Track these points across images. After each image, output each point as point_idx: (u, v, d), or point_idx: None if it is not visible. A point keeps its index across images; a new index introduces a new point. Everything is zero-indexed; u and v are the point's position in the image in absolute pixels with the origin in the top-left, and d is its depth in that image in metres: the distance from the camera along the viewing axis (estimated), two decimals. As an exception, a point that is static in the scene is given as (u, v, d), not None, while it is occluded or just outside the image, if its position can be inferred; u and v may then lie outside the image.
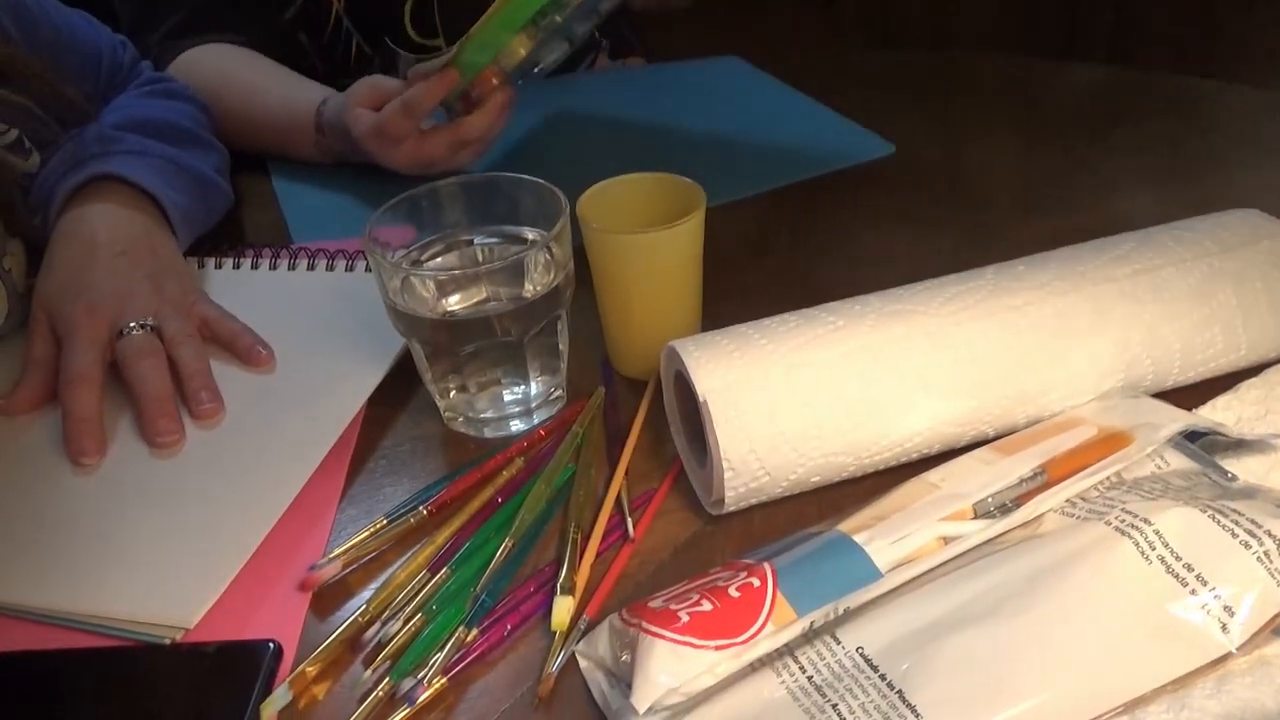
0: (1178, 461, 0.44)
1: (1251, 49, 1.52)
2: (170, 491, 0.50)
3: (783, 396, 0.44)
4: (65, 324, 0.56)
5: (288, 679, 0.40)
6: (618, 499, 0.48)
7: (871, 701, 0.35)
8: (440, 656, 0.40)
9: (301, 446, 0.51)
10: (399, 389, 0.57)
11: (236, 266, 0.68)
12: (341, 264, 0.66)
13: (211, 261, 0.68)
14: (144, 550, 0.47)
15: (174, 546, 0.47)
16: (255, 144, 0.83)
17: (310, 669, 0.40)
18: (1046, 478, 0.43)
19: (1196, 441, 0.45)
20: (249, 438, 0.53)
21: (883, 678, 0.35)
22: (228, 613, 0.44)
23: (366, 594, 0.45)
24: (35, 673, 0.42)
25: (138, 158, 0.65)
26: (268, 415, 0.54)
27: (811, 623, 0.37)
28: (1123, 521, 0.38)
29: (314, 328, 0.61)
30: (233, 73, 0.84)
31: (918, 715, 0.34)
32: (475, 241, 0.55)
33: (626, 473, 0.49)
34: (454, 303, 0.51)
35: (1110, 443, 0.44)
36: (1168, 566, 0.37)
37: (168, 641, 0.43)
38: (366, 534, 0.47)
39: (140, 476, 0.51)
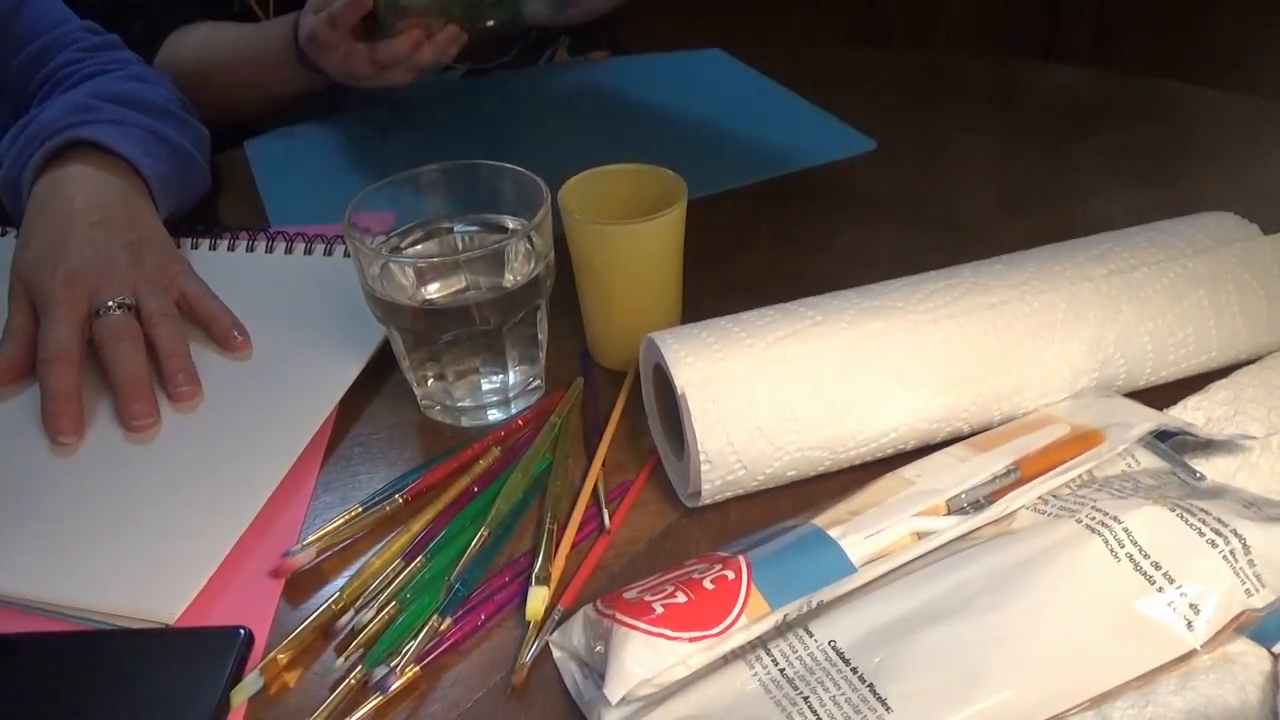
0: (1148, 461, 0.45)
1: (1230, 54, 1.54)
2: (149, 480, 0.49)
3: (760, 390, 0.44)
4: (43, 297, 0.55)
5: (259, 666, 0.40)
6: (594, 490, 0.48)
7: (843, 694, 0.35)
8: (413, 645, 0.40)
9: (281, 437, 0.51)
10: (376, 376, 0.56)
11: (213, 248, 0.67)
12: (320, 248, 0.66)
13: (188, 242, 0.67)
14: (122, 541, 0.46)
15: (153, 537, 0.46)
16: (244, 88, 0.84)
17: (282, 656, 0.40)
18: (1019, 475, 0.43)
19: (1167, 441, 0.46)
20: (228, 426, 0.52)
21: (854, 671, 0.35)
22: (199, 598, 0.44)
23: (340, 581, 0.45)
24: (1, 657, 0.42)
25: (116, 126, 0.64)
26: (247, 402, 0.54)
27: (785, 616, 0.38)
28: (1093, 519, 0.39)
29: (294, 313, 0.60)
30: (216, 28, 0.86)
31: (888, 708, 0.34)
32: (455, 229, 0.55)
33: (604, 464, 0.50)
34: (433, 290, 0.51)
35: (1082, 441, 0.44)
36: (1136, 564, 0.37)
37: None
38: (341, 521, 0.47)
39: (118, 464, 0.50)
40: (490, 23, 0.76)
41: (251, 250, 0.67)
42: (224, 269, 0.65)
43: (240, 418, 0.53)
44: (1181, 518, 0.38)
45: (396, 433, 0.54)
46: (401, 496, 0.48)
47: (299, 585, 0.45)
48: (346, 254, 0.65)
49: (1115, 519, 0.38)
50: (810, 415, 0.44)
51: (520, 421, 0.53)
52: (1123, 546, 0.38)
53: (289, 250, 0.66)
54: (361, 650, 0.41)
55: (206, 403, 0.54)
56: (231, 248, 0.67)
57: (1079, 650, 0.36)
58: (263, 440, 0.51)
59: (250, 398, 0.54)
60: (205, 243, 0.67)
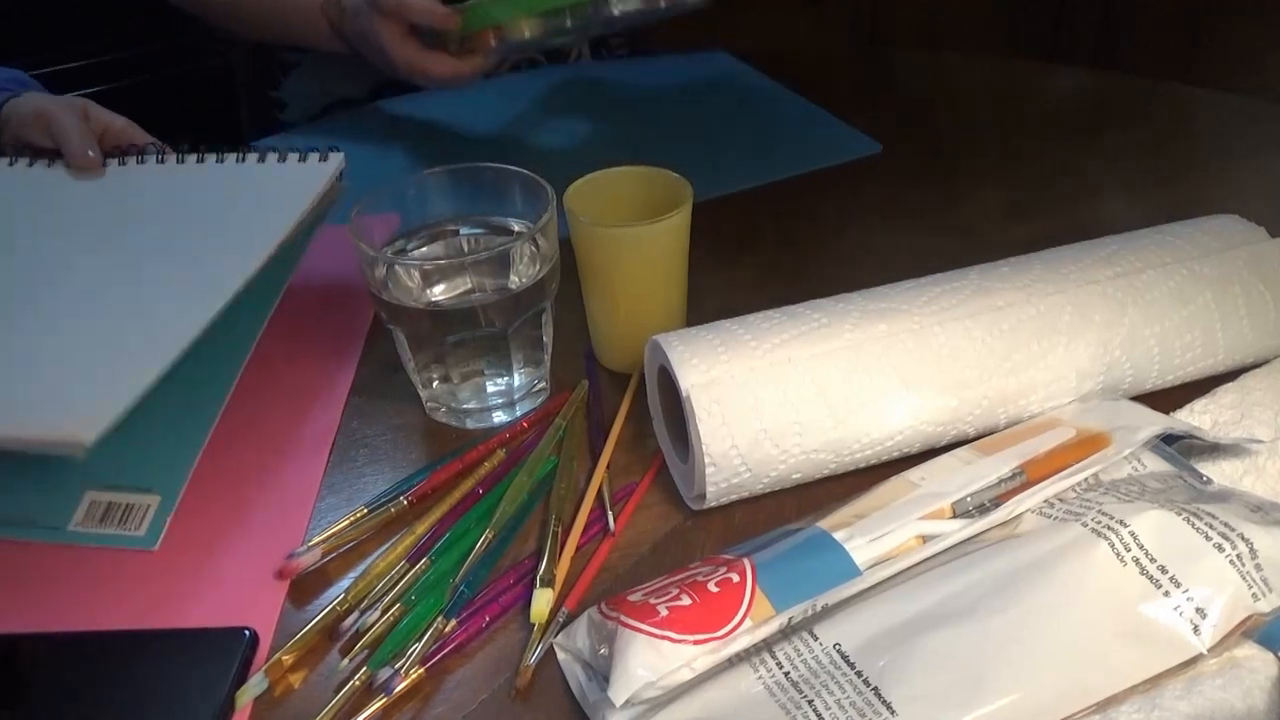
0: (1154, 464, 0.45)
1: (1236, 55, 1.54)
2: (81, 304, 0.47)
3: (765, 393, 0.44)
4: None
5: (264, 667, 0.40)
6: (599, 492, 0.48)
7: (847, 698, 0.35)
8: (418, 647, 0.40)
9: (226, 260, 0.48)
10: (381, 378, 0.57)
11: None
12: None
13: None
14: (41, 363, 0.44)
15: (77, 361, 0.44)
16: (273, 29, 0.85)
17: (287, 657, 0.40)
18: (1025, 478, 0.43)
19: (1173, 444, 0.46)
20: (169, 251, 0.51)
21: (859, 674, 0.35)
22: (204, 599, 0.44)
23: (345, 583, 0.45)
24: (5, 658, 0.42)
25: None
26: (189, 228, 0.52)
27: (790, 619, 0.38)
28: (1099, 523, 0.39)
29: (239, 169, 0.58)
30: None
31: (893, 712, 0.34)
32: (461, 231, 0.55)
33: (608, 466, 0.50)
34: (439, 293, 0.51)
35: (1088, 444, 0.44)
36: (1142, 568, 0.37)
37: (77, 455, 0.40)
38: (346, 523, 0.47)
39: (51, 285, 0.49)
40: (569, 24, 0.73)
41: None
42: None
43: (182, 242, 0.51)
44: (1188, 521, 0.38)
45: (401, 435, 0.54)
46: (406, 498, 0.48)
47: (304, 586, 0.45)
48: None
49: (1121, 522, 0.38)
50: (815, 418, 0.44)
51: (525, 423, 0.53)
52: (1129, 550, 0.37)
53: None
54: (366, 652, 0.41)
55: (147, 224, 0.53)
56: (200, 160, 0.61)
57: (1085, 654, 0.36)
58: (202, 268, 0.49)
59: (192, 226, 0.52)
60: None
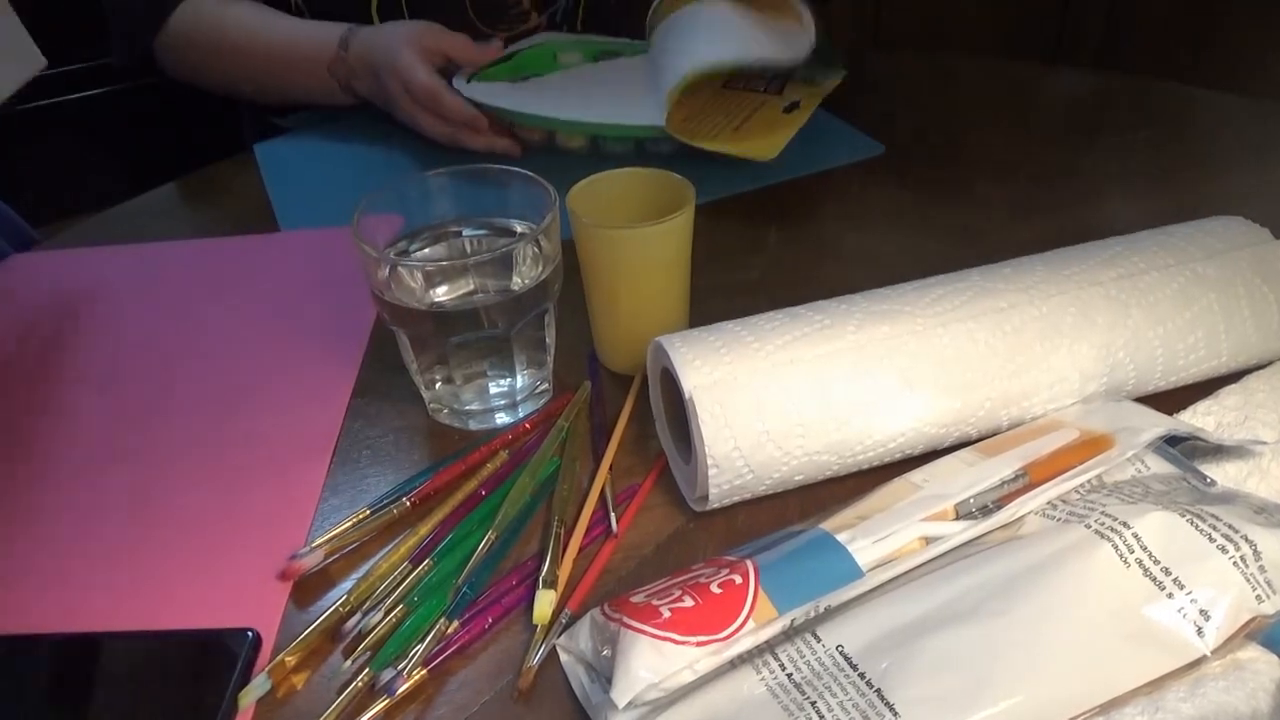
0: (1158, 466, 0.45)
1: (1237, 56, 1.53)
2: None
3: (768, 394, 0.44)
4: None
5: (266, 668, 0.40)
6: (602, 493, 0.48)
7: (850, 700, 0.35)
8: (420, 648, 0.40)
9: None
10: (384, 380, 0.57)
11: None
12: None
13: None
14: None
15: None
16: (266, 78, 0.85)
17: (289, 658, 0.40)
18: (1028, 480, 0.43)
19: (1176, 446, 0.46)
20: None
21: (862, 676, 0.35)
22: (206, 601, 0.44)
23: (348, 584, 0.45)
24: (7, 659, 0.42)
25: None
26: None
27: (792, 620, 0.38)
28: (1102, 524, 0.39)
29: None
30: (265, 13, 0.86)
31: (896, 714, 0.34)
32: (464, 233, 0.55)
33: (611, 467, 0.50)
34: (441, 294, 0.51)
35: (1091, 446, 0.44)
36: (1145, 570, 0.37)
37: None
38: (349, 524, 0.47)
39: None
40: (617, 150, 0.78)
41: None
42: None
43: None
44: (1191, 523, 0.38)
45: (404, 436, 0.54)
46: (409, 499, 0.48)
47: (306, 588, 0.45)
48: None
49: (1125, 524, 0.38)
50: (818, 419, 0.44)
51: (528, 425, 0.53)
52: (1132, 552, 0.37)
53: None
54: (369, 653, 0.41)
55: None
56: None
57: (1088, 656, 0.36)
58: None
59: None
60: None
